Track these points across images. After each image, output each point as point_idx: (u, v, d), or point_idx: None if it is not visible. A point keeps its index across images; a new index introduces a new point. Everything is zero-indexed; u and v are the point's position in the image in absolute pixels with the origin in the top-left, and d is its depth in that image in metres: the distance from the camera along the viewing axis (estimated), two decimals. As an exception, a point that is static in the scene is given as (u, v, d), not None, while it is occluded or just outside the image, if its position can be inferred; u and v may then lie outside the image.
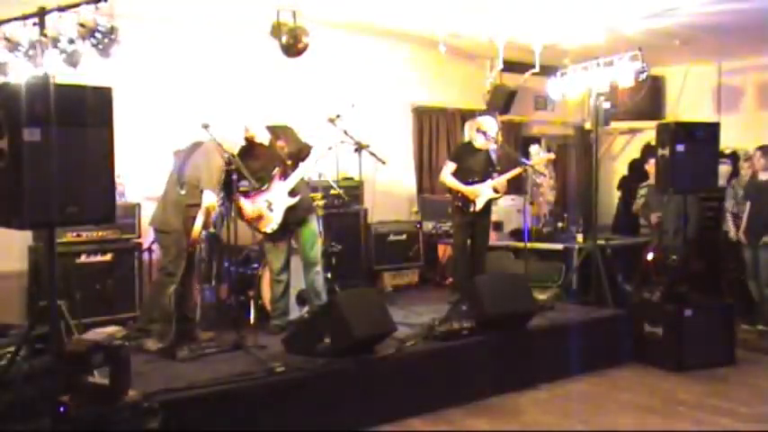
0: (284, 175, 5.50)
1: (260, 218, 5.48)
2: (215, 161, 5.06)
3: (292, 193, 5.50)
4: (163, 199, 5.29)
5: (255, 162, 5.49)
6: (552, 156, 7.13)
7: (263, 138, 5.58)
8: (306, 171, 5.55)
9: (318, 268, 5.70)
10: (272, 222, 5.47)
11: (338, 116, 5.46)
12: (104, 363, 3.65)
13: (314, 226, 5.74)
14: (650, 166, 8.52)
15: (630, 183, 9.35)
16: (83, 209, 3.59)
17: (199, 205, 5.00)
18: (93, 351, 3.66)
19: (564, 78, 7.32)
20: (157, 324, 5.17)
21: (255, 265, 6.18)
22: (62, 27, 4.70)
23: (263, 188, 5.49)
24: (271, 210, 5.44)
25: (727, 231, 7.37)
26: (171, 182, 5.24)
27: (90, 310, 5.37)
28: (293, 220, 5.56)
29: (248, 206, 5.49)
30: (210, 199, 4.98)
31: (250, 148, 5.51)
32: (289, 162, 5.53)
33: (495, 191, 6.70)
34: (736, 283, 7.50)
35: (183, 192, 5.07)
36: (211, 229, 5.21)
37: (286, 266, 5.71)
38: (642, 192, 8.04)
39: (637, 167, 9.07)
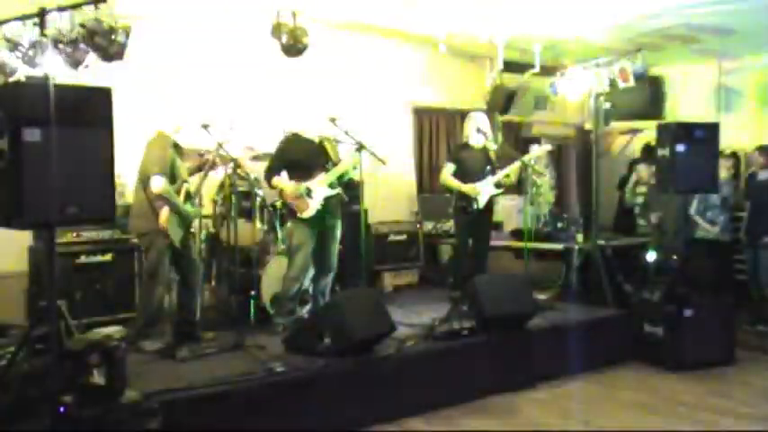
0: (326, 169, 5.64)
1: (299, 200, 5.56)
2: (155, 149, 5.06)
3: (332, 185, 5.61)
4: (132, 203, 5.31)
5: (301, 151, 5.68)
6: (549, 147, 7.11)
7: (312, 135, 5.73)
8: (346, 168, 5.66)
9: (333, 275, 5.79)
10: (309, 208, 5.56)
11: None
12: (100, 362, 3.66)
13: (339, 234, 5.82)
14: (644, 170, 8.56)
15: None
16: (83, 209, 3.59)
17: (160, 198, 4.98)
18: (89, 350, 3.67)
19: (564, 78, 7.32)
20: (152, 326, 5.17)
21: (255, 265, 6.18)
22: (62, 27, 4.70)
23: (305, 177, 5.60)
24: (310, 196, 5.55)
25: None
26: (135, 185, 5.27)
27: (90, 310, 5.37)
28: (330, 216, 5.65)
29: (290, 187, 5.58)
30: (157, 183, 4.93)
31: (297, 139, 5.73)
32: (332, 159, 5.71)
33: (497, 187, 6.69)
34: (736, 283, 7.50)
35: (141, 191, 5.09)
36: (189, 208, 5.18)
37: (307, 269, 5.72)
38: (637, 186, 8.14)
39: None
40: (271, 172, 5.71)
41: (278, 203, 6.37)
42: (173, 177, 5.11)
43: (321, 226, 5.67)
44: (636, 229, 8.31)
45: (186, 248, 5.26)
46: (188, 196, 5.22)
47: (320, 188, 5.60)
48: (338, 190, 5.69)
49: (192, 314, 5.38)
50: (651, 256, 6.63)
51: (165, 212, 5.03)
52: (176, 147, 5.21)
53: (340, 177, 5.71)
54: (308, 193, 5.57)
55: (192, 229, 5.38)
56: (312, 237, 5.64)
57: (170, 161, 5.09)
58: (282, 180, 5.64)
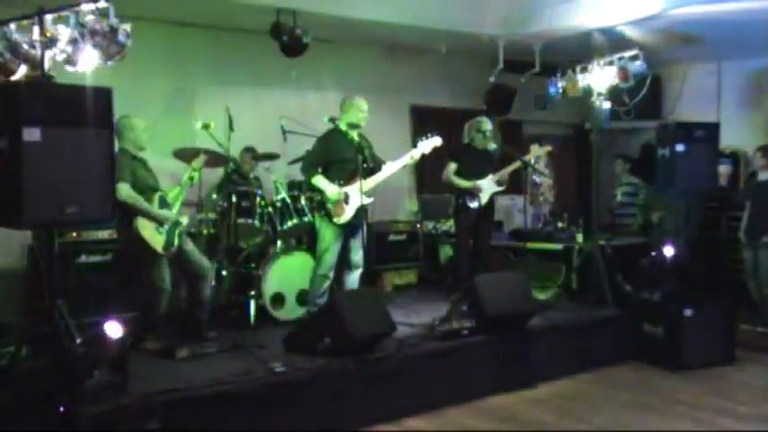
0: (364, 174, 5.57)
1: (336, 206, 5.54)
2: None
3: (367, 194, 5.58)
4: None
5: (344, 151, 5.61)
6: (549, 147, 7.13)
7: (353, 133, 5.67)
8: (383, 177, 5.64)
9: (360, 271, 5.77)
10: (344, 215, 5.54)
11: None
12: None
13: (363, 232, 5.82)
14: (618, 165, 8.62)
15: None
16: (83, 209, 3.59)
17: (123, 206, 4.88)
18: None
19: (564, 78, 7.32)
20: (153, 329, 5.17)
21: (255, 265, 6.18)
22: (62, 27, 4.70)
23: (344, 180, 5.58)
24: (347, 203, 5.53)
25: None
26: None
27: (90, 310, 5.37)
28: (357, 220, 5.63)
29: (331, 190, 5.55)
30: (121, 190, 4.76)
31: (339, 135, 5.65)
32: (371, 165, 5.66)
33: (498, 184, 6.70)
34: (735, 283, 7.50)
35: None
36: (164, 212, 5.09)
37: (334, 267, 5.70)
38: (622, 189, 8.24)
39: (637, 167, 9.07)
40: (312, 168, 5.65)
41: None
42: (140, 188, 5.03)
43: (349, 229, 5.66)
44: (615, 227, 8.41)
45: (182, 252, 5.23)
46: (164, 204, 5.16)
47: (357, 196, 5.52)
48: (371, 200, 5.64)
49: (201, 312, 5.38)
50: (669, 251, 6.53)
51: (138, 221, 4.97)
52: (137, 159, 5.13)
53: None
54: (346, 199, 5.54)
55: (180, 231, 5.24)
56: (340, 237, 5.63)
57: (131, 172, 5.00)
58: (325, 182, 5.59)
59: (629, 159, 8.85)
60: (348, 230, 5.66)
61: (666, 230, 7.57)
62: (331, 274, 5.67)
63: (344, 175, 5.57)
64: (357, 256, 5.76)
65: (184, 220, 5.34)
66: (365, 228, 5.85)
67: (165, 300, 5.13)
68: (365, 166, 5.57)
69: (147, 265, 5.07)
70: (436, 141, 5.80)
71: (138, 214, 4.96)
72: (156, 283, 5.08)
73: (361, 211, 5.66)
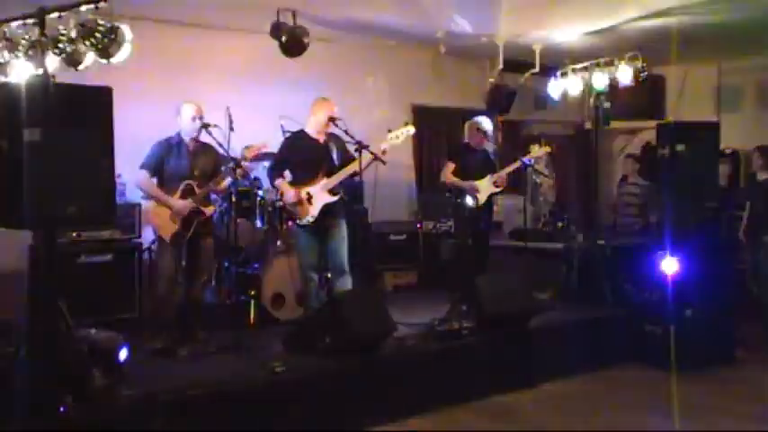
0: (329, 174, 5.55)
1: (298, 206, 5.51)
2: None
3: (332, 191, 5.54)
4: None
5: (306, 151, 5.60)
6: (549, 148, 7.14)
7: (318, 135, 5.64)
8: (348, 174, 5.53)
9: (348, 277, 5.58)
10: (308, 215, 5.50)
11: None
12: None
13: (343, 232, 5.67)
14: (628, 165, 8.62)
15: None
16: (83, 209, 3.60)
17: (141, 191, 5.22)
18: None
19: (564, 78, 7.32)
20: (155, 318, 5.28)
21: (255, 265, 6.18)
22: (62, 27, 4.70)
23: (307, 180, 5.54)
24: (309, 202, 5.49)
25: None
26: None
27: (90, 310, 5.37)
28: (328, 218, 5.57)
29: (290, 192, 5.53)
30: (135, 176, 5.13)
31: (303, 137, 5.65)
32: (336, 163, 5.60)
33: (496, 185, 6.70)
34: (736, 283, 7.49)
35: None
36: (176, 202, 5.15)
37: (317, 265, 5.68)
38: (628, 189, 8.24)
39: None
40: (274, 171, 5.67)
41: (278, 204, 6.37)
42: (164, 176, 5.20)
43: (319, 228, 5.62)
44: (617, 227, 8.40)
45: (192, 244, 5.23)
46: (189, 193, 5.19)
47: (321, 194, 5.50)
48: (339, 196, 5.57)
49: (190, 315, 5.38)
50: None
51: (150, 207, 5.19)
52: (181, 144, 5.28)
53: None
54: (309, 199, 5.51)
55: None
56: (310, 238, 5.60)
57: (160, 158, 5.19)
58: (285, 184, 5.59)
59: (638, 159, 8.83)
60: (320, 231, 5.59)
61: (664, 230, 7.56)
62: (313, 276, 5.61)
63: (308, 176, 5.53)
64: (340, 259, 5.58)
65: (208, 211, 5.34)
66: (343, 226, 5.63)
67: (166, 288, 5.16)
68: (335, 164, 5.55)
69: (157, 250, 5.30)
70: (409, 131, 5.59)
71: (152, 200, 5.19)
72: (161, 271, 5.19)
73: (337, 209, 5.59)
